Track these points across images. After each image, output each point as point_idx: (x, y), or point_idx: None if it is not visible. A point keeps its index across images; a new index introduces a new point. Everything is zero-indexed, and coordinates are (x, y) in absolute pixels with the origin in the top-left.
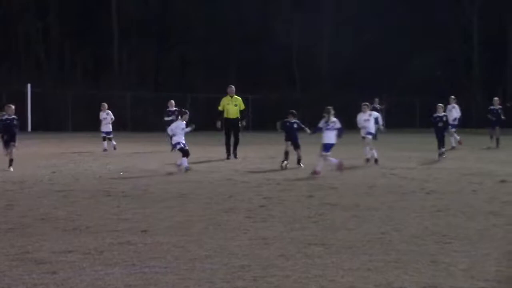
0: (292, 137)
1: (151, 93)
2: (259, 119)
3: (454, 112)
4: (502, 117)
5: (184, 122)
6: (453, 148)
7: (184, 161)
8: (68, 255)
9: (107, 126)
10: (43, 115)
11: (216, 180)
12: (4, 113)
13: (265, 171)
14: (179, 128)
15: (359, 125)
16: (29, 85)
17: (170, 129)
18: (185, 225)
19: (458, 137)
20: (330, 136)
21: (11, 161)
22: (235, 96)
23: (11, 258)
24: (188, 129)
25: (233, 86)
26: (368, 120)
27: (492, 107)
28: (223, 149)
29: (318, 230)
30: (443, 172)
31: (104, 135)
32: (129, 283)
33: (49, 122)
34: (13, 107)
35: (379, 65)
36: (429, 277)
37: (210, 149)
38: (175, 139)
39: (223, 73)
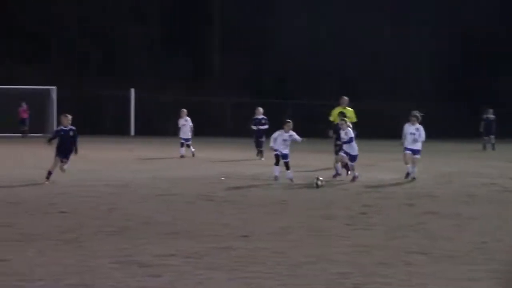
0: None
1: (251, 99)
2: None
3: None
4: None
5: (288, 133)
6: None
7: (289, 173)
8: (171, 258)
9: (185, 133)
10: (145, 119)
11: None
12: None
13: (363, 179)
14: (280, 139)
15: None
16: (132, 90)
17: (273, 138)
18: (286, 231)
19: None
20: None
21: (49, 173)
22: (347, 107)
23: (115, 260)
24: (298, 138)
25: (346, 98)
26: (413, 134)
27: None
28: (324, 156)
29: (418, 239)
30: None
31: (183, 141)
32: (231, 287)
33: (151, 127)
34: (69, 117)
35: None
36: None
37: (311, 156)
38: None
39: (324, 81)
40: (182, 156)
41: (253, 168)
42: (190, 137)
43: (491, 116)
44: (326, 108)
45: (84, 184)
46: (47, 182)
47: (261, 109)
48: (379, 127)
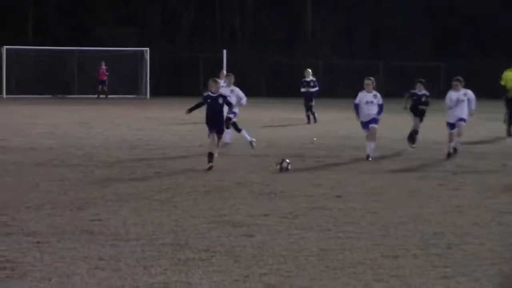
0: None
1: (343, 60)
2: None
3: None
4: None
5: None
6: None
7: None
8: (264, 218)
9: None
10: (238, 80)
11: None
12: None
13: None
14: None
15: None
16: (224, 51)
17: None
18: (378, 191)
19: None
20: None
21: (210, 156)
22: None
23: (209, 220)
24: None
25: None
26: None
27: None
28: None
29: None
30: None
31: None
32: (324, 247)
33: (242, 87)
34: (220, 82)
35: None
36: None
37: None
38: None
39: (414, 41)
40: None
41: (345, 128)
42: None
43: None
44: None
45: (180, 145)
46: (210, 165)
47: (310, 71)
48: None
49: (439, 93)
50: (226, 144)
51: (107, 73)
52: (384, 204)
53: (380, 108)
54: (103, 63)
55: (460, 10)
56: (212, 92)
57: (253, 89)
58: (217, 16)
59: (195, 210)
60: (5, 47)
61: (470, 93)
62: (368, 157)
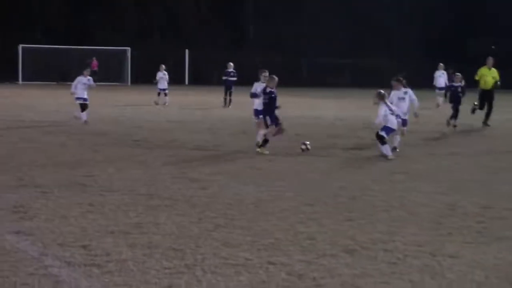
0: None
1: (280, 57)
2: None
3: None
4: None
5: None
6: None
7: None
8: (215, 176)
9: (163, 84)
10: (199, 72)
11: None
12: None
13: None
14: None
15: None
16: (187, 51)
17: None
18: (302, 155)
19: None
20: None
21: (266, 142)
22: (493, 68)
23: (173, 176)
24: None
25: (491, 58)
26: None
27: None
28: None
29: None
30: None
31: (160, 91)
32: (260, 197)
33: (200, 78)
34: (276, 78)
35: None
36: (485, 199)
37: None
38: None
39: (331, 41)
40: (157, 104)
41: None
42: (167, 87)
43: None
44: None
45: (154, 121)
46: (264, 151)
47: (231, 64)
48: None
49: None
50: None
51: (97, 66)
52: (306, 165)
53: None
54: (95, 58)
55: (371, 20)
56: (270, 88)
57: (207, 81)
58: (180, 21)
59: (163, 169)
60: (20, 45)
61: (410, 91)
62: (395, 148)
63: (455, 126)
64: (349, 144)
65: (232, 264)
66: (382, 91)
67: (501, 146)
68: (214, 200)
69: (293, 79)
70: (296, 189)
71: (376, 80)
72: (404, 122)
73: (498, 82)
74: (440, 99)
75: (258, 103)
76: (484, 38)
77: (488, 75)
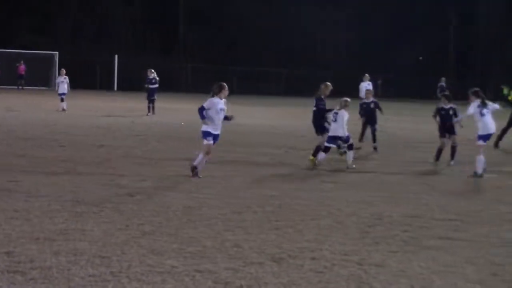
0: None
1: (207, 65)
2: None
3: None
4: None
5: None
6: None
7: None
8: (143, 182)
9: (63, 89)
10: (128, 78)
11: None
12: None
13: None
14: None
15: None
16: (116, 56)
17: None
18: (232, 162)
19: None
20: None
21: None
22: None
23: (100, 182)
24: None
25: None
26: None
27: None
28: None
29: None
30: None
31: (62, 96)
32: (187, 205)
33: (129, 84)
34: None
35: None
36: (412, 209)
37: None
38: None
39: (262, 51)
40: (63, 110)
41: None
42: (66, 91)
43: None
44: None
45: (79, 126)
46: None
47: (152, 70)
48: None
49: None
50: None
51: (25, 71)
52: (235, 173)
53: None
54: (22, 62)
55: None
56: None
57: (137, 87)
58: (109, 26)
59: (90, 175)
60: None
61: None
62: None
63: (358, 148)
64: (280, 152)
65: (158, 272)
66: (348, 99)
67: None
68: (142, 207)
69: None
70: (224, 197)
71: (307, 89)
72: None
73: None
74: None
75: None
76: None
77: None
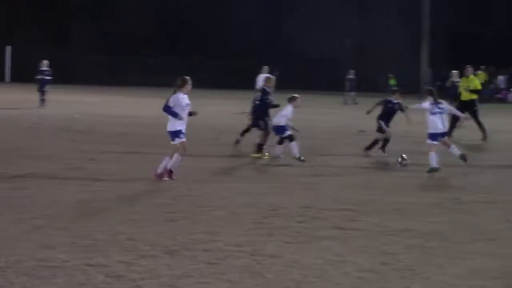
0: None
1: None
2: None
3: None
4: None
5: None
6: None
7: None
8: (35, 176)
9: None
10: (22, 69)
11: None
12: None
13: None
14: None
15: None
16: (7, 47)
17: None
18: (127, 157)
19: None
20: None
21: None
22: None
23: None
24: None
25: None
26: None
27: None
28: None
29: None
30: None
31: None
32: (81, 198)
33: (25, 74)
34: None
35: None
36: (306, 200)
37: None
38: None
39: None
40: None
41: (101, 108)
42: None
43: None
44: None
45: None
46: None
47: (45, 62)
48: None
49: None
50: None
51: None
52: (129, 166)
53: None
54: None
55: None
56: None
57: (31, 79)
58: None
59: None
60: None
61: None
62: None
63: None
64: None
65: (48, 266)
66: (297, 95)
67: (321, 150)
68: (34, 201)
69: (120, 79)
70: (117, 190)
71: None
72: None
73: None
74: None
75: (176, 122)
76: None
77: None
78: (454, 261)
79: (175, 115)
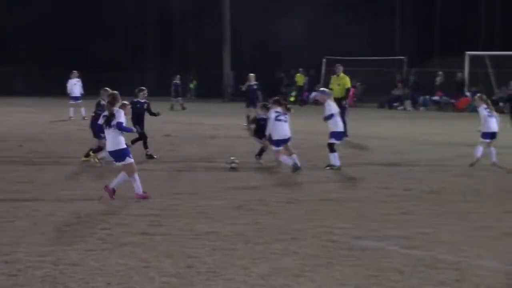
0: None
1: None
2: None
3: None
4: None
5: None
6: None
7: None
8: None
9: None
10: None
11: None
12: None
13: None
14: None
15: None
16: None
17: None
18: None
19: None
20: None
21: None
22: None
23: None
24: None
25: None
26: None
27: None
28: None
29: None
30: None
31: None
32: None
33: None
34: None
35: None
36: (111, 207)
37: None
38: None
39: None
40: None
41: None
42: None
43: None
44: None
45: None
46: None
47: None
48: None
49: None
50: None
51: None
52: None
53: None
54: None
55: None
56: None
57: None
58: None
59: None
60: None
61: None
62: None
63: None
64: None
65: None
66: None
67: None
68: None
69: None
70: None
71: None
72: None
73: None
74: (72, 110)
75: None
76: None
77: (334, 83)
78: (258, 261)
79: (129, 130)
